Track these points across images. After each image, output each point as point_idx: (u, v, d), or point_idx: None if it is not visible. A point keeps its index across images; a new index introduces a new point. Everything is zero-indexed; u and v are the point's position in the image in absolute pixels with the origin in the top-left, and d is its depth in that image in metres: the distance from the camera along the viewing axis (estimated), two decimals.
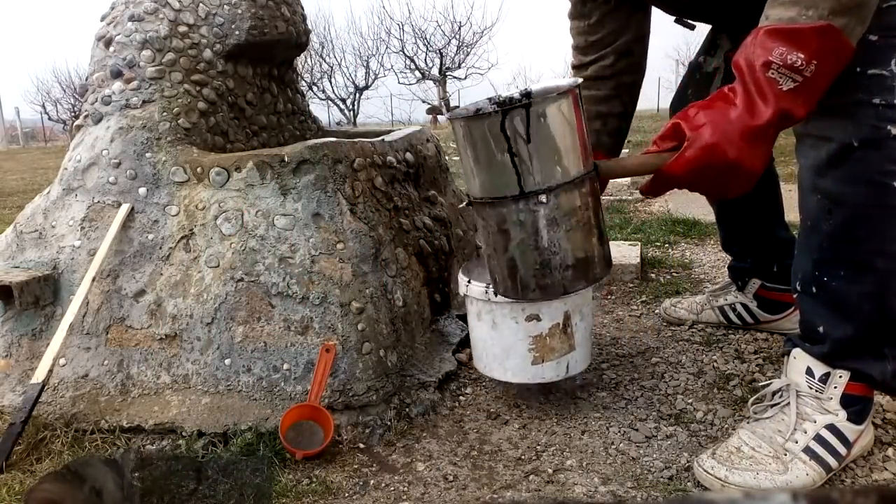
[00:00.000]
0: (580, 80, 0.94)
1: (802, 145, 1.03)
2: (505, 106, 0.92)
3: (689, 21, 1.41)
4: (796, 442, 1.04)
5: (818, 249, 1.04)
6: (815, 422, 1.05)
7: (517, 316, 1.18)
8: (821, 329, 1.06)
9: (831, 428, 1.04)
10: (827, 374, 1.06)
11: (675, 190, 0.96)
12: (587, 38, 1.33)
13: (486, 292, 1.18)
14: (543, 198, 0.86)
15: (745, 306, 1.64)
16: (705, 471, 1.03)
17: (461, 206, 1.28)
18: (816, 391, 1.06)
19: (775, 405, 1.09)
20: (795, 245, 1.12)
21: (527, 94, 0.96)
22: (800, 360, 1.08)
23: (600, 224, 0.92)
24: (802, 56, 0.84)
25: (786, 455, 1.03)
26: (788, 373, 1.10)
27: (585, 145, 0.89)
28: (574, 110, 0.87)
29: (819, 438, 1.04)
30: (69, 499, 0.97)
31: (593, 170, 0.90)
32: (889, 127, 0.93)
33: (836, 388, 1.05)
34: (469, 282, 1.23)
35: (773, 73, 0.86)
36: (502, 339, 1.22)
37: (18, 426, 1.16)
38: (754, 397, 1.14)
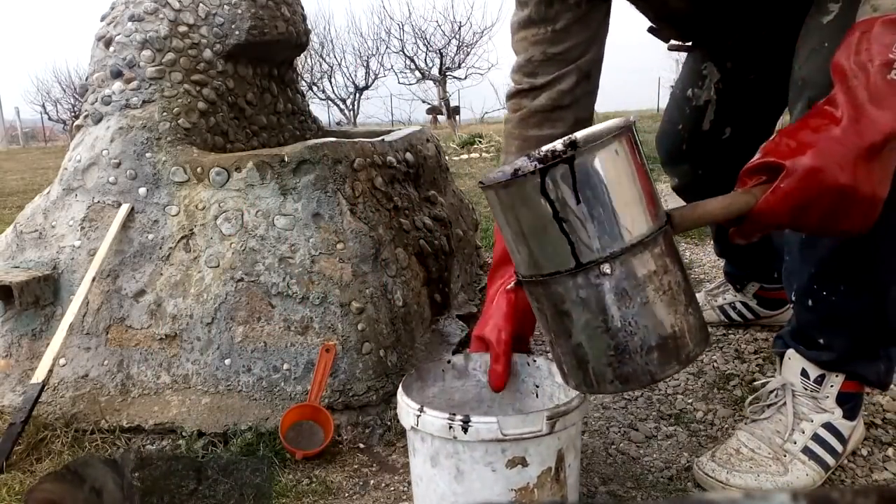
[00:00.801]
0: (633, 119, 0.74)
1: None
2: (545, 162, 0.74)
3: (665, 32, 1.32)
4: (795, 443, 1.04)
5: (818, 263, 1.00)
6: (812, 421, 1.05)
7: (495, 460, 0.86)
8: (820, 340, 1.05)
9: (828, 427, 1.04)
10: (822, 376, 1.06)
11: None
12: (547, 49, 1.07)
13: (450, 427, 0.83)
14: (607, 268, 0.68)
15: (744, 304, 1.64)
16: (706, 474, 1.03)
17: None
18: (812, 391, 1.06)
19: (772, 405, 1.09)
20: (786, 248, 1.07)
21: (572, 144, 0.78)
22: (794, 362, 1.08)
23: (688, 289, 0.73)
24: None
25: (785, 456, 1.03)
26: (783, 373, 1.10)
27: (652, 195, 0.71)
28: (631, 155, 0.70)
29: (817, 438, 1.04)
30: (69, 499, 0.97)
31: (666, 223, 0.72)
32: None
33: (832, 387, 1.05)
34: (421, 410, 0.86)
35: (895, 75, 0.70)
36: (470, 495, 0.88)
37: (18, 426, 1.16)
38: (751, 398, 1.14)
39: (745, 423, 1.11)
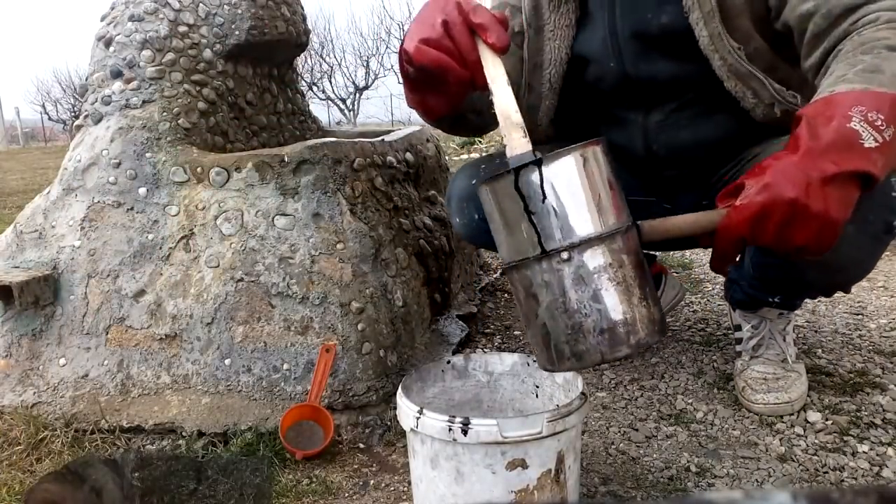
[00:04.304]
0: (603, 138, 0.85)
1: None
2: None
3: None
4: None
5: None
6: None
7: (495, 462, 0.87)
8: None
9: None
10: None
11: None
12: None
13: (449, 429, 0.86)
14: (566, 255, 0.79)
15: None
16: None
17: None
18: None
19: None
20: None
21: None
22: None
23: (643, 285, 0.82)
24: (883, 117, 0.77)
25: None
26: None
27: (616, 201, 0.83)
28: (596, 164, 0.81)
29: None
30: (69, 499, 0.97)
31: (629, 226, 0.82)
32: None
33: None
34: (421, 412, 0.88)
35: (855, 125, 0.77)
36: (470, 496, 0.89)
37: None
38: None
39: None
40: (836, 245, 0.84)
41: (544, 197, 0.79)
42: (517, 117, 0.85)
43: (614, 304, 0.80)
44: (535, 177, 0.79)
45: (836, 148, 0.77)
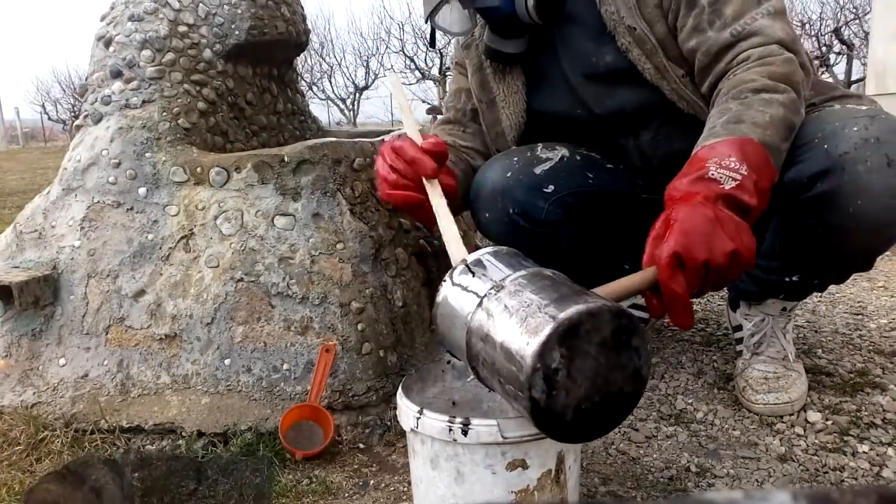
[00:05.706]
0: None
1: None
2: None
3: None
4: None
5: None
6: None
7: (495, 463, 0.87)
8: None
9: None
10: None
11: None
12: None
13: (449, 429, 0.85)
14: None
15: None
16: None
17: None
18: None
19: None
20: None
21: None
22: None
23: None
24: (734, 158, 0.89)
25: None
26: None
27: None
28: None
29: None
30: (69, 499, 0.97)
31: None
32: None
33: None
34: (421, 412, 0.88)
35: (713, 174, 0.88)
36: (471, 497, 0.88)
37: None
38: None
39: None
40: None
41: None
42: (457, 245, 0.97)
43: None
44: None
45: (699, 194, 0.86)
